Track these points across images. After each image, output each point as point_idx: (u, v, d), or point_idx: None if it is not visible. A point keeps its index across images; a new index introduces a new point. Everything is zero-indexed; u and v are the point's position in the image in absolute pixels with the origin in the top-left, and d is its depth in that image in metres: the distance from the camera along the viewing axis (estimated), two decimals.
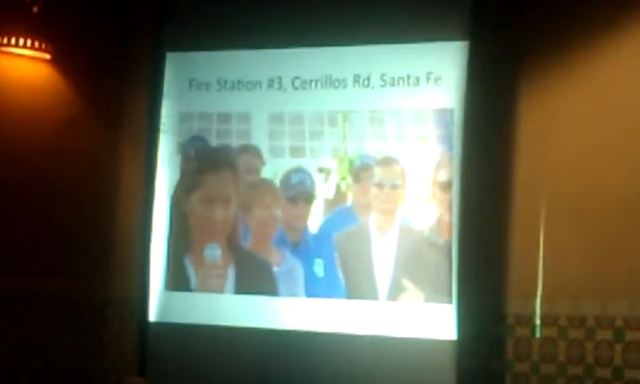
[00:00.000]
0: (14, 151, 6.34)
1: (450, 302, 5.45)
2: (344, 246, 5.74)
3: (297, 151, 5.90)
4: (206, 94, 6.16)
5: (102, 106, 6.77)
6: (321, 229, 5.81)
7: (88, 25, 6.64)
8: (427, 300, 5.53)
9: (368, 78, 5.79)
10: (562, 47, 5.63)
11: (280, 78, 5.98)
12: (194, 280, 6.07)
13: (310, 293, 5.78)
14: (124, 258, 6.68)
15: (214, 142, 6.12)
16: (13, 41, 6.22)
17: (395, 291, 5.59)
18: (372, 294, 5.64)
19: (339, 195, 5.80)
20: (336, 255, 5.75)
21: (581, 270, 5.45)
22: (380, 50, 5.77)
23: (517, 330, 5.62)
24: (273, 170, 5.94)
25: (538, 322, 5.57)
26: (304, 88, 5.93)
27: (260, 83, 6.03)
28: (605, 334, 5.38)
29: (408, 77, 5.71)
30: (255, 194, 5.96)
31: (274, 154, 5.94)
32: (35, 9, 6.23)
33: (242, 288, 5.96)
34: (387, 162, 5.68)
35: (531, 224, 5.61)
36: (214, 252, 6.01)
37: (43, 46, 6.31)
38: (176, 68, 6.25)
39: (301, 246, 5.83)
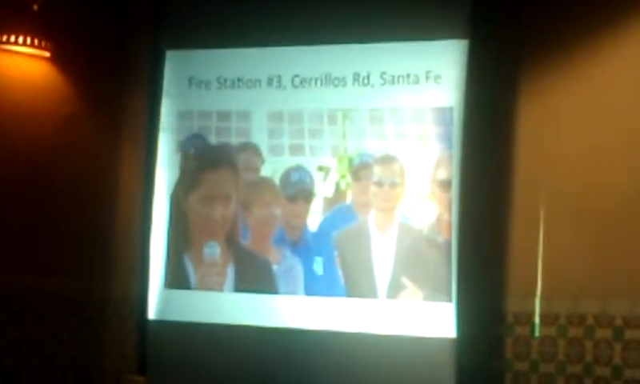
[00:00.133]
0: (12, 149, 6.34)
1: (450, 301, 5.45)
2: (343, 244, 5.74)
3: (296, 149, 5.89)
4: (206, 92, 6.15)
5: (102, 104, 6.77)
6: (320, 227, 5.80)
7: (87, 23, 6.64)
8: (426, 298, 5.53)
9: (368, 77, 5.79)
10: (561, 46, 5.63)
11: (280, 76, 5.98)
12: (193, 278, 6.07)
13: (310, 291, 5.78)
14: (123, 255, 6.69)
15: (213, 140, 6.11)
16: (12, 39, 6.22)
17: (395, 289, 5.59)
18: (371, 293, 5.64)
19: (339, 193, 5.80)
20: (335, 253, 5.74)
21: (580, 269, 5.45)
22: (380, 49, 5.77)
23: (516, 329, 5.62)
24: (272, 168, 5.94)
25: (537, 320, 5.57)
26: (304, 86, 5.93)
27: (259, 81, 6.03)
28: (604, 333, 5.38)
29: (408, 75, 5.71)
30: (255, 193, 5.96)
31: (273, 153, 5.94)
32: (35, 7, 6.24)
33: (242, 286, 5.95)
34: (387, 160, 5.68)
35: (531, 223, 5.61)
36: (214, 250, 6.00)
37: (43, 43, 6.31)
38: (175, 66, 6.24)
39: (300, 244, 5.83)
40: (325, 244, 5.77)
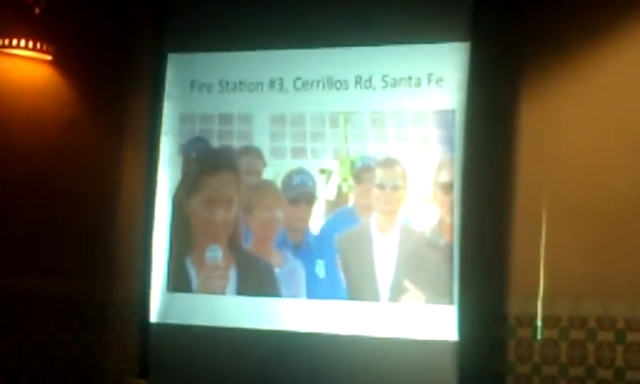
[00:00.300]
0: (15, 152, 6.35)
1: (452, 303, 5.45)
2: (345, 247, 5.74)
3: (298, 152, 5.90)
4: (208, 95, 6.15)
5: (104, 107, 6.77)
6: (322, 230, 5.81)
7: (89, 26, 6.64)
8: (428, 301, 5.53)
9: (369, 79, 5.79)
10: (562, 48, 5.63)
11: (281, 79, 5.98)
12: (195, 281, 6.07)
13: (312, 294, 5.79)
14: (125, 258, 6.68)
15: (215, 143, 6.12)
16: (14, 42, 6.23)
17: (396, 292, 5.60)
18: (373, 296, 5.64)
19: (340, 196, 5.80)
20: (337, 256, 5.75)
21: (582, 271, 5.45)
22: (381, 51, 5.77)
23: (518, 331, 5.62)
24: (274, 171, 5.94)
25: (539, 323, 5.57)
26: (305, 89, 5.93)
27: (261, 84, 6.03)
28: (606, 336, 5.38)
29: (409, 78, 5.71)
30: (256, 196, 5.96)
31: (275, 155, 5.94)
32: (37, 10, 6.24)
33: (244, 289, 5.96)
34: (388, 163, 5.68)
35: (532, 225, 5.62)
36: (216, 253, 6.01)
37: (44, 47, 6.32)
38: (177, 69, 6.24)
39: (302, 247, 5.83)
40: (327, 247, 5.77)
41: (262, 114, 6.00)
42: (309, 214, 5.83)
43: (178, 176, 6.17)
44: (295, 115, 5.93)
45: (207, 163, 6.12)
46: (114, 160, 6.82)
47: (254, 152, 5.98)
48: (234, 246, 5.99)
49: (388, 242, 5.65)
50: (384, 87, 5.76)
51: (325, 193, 5.82)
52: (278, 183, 5.92)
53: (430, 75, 5.66)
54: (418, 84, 5.69)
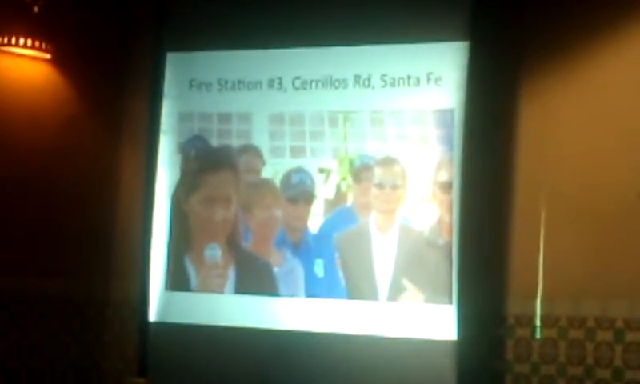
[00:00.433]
0: (13, 151, 6.34)
1: (450, 303, 5.45)
2: (344, 246, 5.74)
3: (297, 151, 5.89)
4: (207, 94, 6.15)
5: (103, 106, 6.76)
6: (321, 229, 5.80)
7: (88, 24, 6.64)
8: (427, 300, 5.53)
9: (368, 79, 5.79)
10: (562, 47, 5.63)
11: (280, 78, 5.98)
12: (194, 280, 6.07)
13: (311, 293, 5.78)
14: (124, 257, 6.68)
15: (214, 142, 6.12)
16: (13, 40, 6.22)
17: (395, 292, 5.59)
18: (372, 295, 5.64)
19: (339, 195, 5.80)
20: (336, 255, 5.75)
21: (581, 271, 5.45)
22: (380, 51, 5.77)
23: (517, 331, 5.62)
24: (273, 170, 5.94)
25: (538, 322, 5.57)
26: (304, 88, 5.93)
27: (260, 83, 6.03)
28: (605, 335, 5.38)
29: (408, 77, 5.71)
30: (255, 195, 5.96)
31: (274, 154, 5.94)
32: (36, 9, 6.24)
33: (243, 288, 5.95)
34: (387, 162, 5.68)
35: (531, 224, 5.61)
36: (215, 252, 6.01)
37: (43, 45, 6.31)
38: (176, 68, 6.24)
39: (301, 246, 5.83)
40: (325, 246, 5.77)
41: (261, 113, 6.00)
42: (308, 213, 5.83)
43: (176, 175, 6.17)
44: (294, 114, 5.92)
45: (206, 162, 6.12)
46: (112, 159, 6.82)
47: (253, 151, 5.98)
48: (232, 244, 5.99)
49: (387, 241, 5.65)
50: (383, 86, 5.76)
51: (324, 192, 5.82)
52: (277, 182, 5.92)
53: (429, 74, 5.66)
54: (417, 83, 5.68)
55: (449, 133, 5.56)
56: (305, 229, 5.83)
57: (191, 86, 6.19)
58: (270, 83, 6.00)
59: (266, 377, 5.79)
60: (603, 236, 5.42)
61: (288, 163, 5.90)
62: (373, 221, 5.70)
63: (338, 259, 5.74)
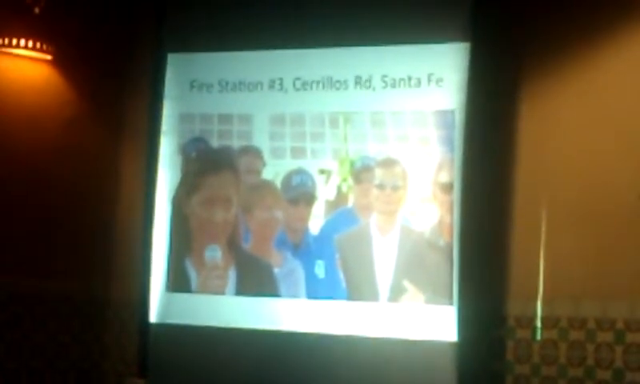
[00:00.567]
0: (14, 152, 6.34)
1: (451, 304, 5.45)
2: (345, 247, 5.74)
3: (298, 152, 5.89)
4: (207, 95, 6.15)
5: (103, 107, 6.77)
6: (322, 230, 5.80)
7: (89, 26, 6.65)
8: (428, 301, 5.53)
9: (369, 80, 5.79)
10: (563, 49, 5.63)
11: (281, 79, 5.98)
12: (194, 281, 6.07)
13: (311, 294, 5.78)
14: (125, 258, 6.68)
15: (215, 143, 6.11)
16: (14, 42, 6.23)
17: (396, 293, 5.59)
18: (373, 296, 5.64)
19: (340, 196, 5.80)
20: (337, 256, 5.74)
21: (581, 272, 5.44)
22: (381, 52, 5.77)
23: (517, 332, 5.62)
24: (274, 171, 5.94)
25: (538, 323, 5.56)
26: (305, 89, 5.93)
27: (261, 84, 6.03)
28: (605, 336, 5.37)
29: (409, 78, 5.71)
30: (256, 196, 5.96)
31: (275, 156, 5.94)
32: (36, 10, 6.24)
33: (243, 289, 5.95)
34: (388, 163, 5.68)
35: (532, 225, 5.61)
36: (215, 253, 6.00)
37: (44, 47, 6.32)
38: (177, 69, 6.24)
39: (302, 247, 5.83)
40: (326, 247, 5.76)
41: (262, 114, 6.00)
42: (308, 214, 5.83)
43: (177, 176, 6.16)
44: (295, 115, 5.93)
45: (207, 163, 6.12)
46: (113, 160, 6.82)
47: (253, 152, 5.98)
48: (233, 246, 5.98)
49: (387, 242, 5.65)
50: (384, 87, 5.76)
51: (324, 193, 5.82)
52: (278, 183, 5.91)
53: (429, 75, 5.66)
54: (418, 84, 5.69)
55: (449, 134, 5.57)
56: (305, 230, 5.83)
57: (192, 86, 6.19)
58: (271, 84, 6.01)
59: (267, 378, 5.79)
60: (603, 237, 5.42)
61: (289, 164, 5.90)
62: (373, 222, 5.70)
63: (339, 260, 5.74)
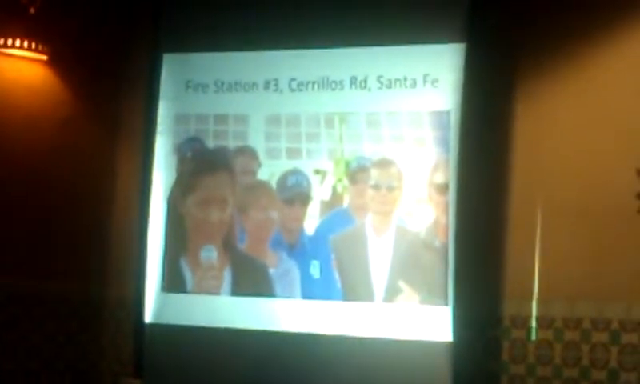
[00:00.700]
0: (10, 152, 6.33)
1: (446, 304, 5.45)
2: (340, 247, 5.74)
3: (293, 153, 5.89)
4: (203, 95, 6.15)
5: (99, 107, 6.76)
6: (317, 230, 5.80)
7: (85, 26, 6.64)
8: (423, 302, 5.53)
9: (365, 80, 5.79)
10: (558, 49, 5.64)
11: (277, 80, 5.98)
12: (190, 281, 6.06)
13: (306, 294, 5.78)
14: (120, 259, 6.68)
15: (210, 143, 6.11)
16: (10, 42, 6.22)
17: (391, 293, 5.59)
18: (368, 296, 5.64)
19: (335, 197, 5.80)
20: (332, 257, 5.74)
21: (577, 272, 5.45)
22: (377, 52, 5.78)
23: (513, 332, 5.62)
24: (269, 171, 5.94)
25: (533, 324, 5.57)
26: (301, 90, 5.93)
27: (257, 85, 6.03)
28: (601, 337, 5.38)
29: (405, 79, 5.71)
30: (251, 196, 5.96)
31: (270, 156, 5.94)
32: (32, 10, 6.23)
33: (238, 290, 5.95)
34: (384, 163, 5.68)
35: (527, 226, 5.62)
36: (210, 254, 6.00)
37: (40, 47, 6.30)
38: (173, 69, 6.24)
39: (297, 247, 5.83)
40: (322, 247, 5.76)
41: (258, 115, 6.00)
42: (304, 214, 5.83)
43: (172, 176, 6.16)
44: (290, 116, 5.93)
45: (202, 163, 6.12)
46: (109, 160, 6.81)
47: (249, 152, 5.98)
48: (228, 246, 5.98)
49: (383, 243, 5.65)
50: (379, 88, 5.76)
51: (320, 193, 5.82)
52: (273, 184, 5.91)
53: (425, 76, 5.67)
54: (414, 85, 5.69)
55: (445, 134, 5.57)
56: (301, 230, 5.82)
57: (187, 87, 6.19)
58: (267, 85, 6.01)
59: (262, 378, 5.78)
60: (599, 237, 5.43)
61: (284, 165, 5.90)
62: (369, 222, 5.70)
63: (334, 261, 5.74)
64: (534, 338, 5.56)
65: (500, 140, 5.74)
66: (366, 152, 5.73)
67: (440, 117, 5.60)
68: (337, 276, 5.73)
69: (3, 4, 6.21)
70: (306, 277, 5.78)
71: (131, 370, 6.28)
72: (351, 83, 5.82)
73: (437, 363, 5.43)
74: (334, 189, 5.80)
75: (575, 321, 5.45)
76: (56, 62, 6.47)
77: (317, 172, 5.83)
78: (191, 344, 5.97)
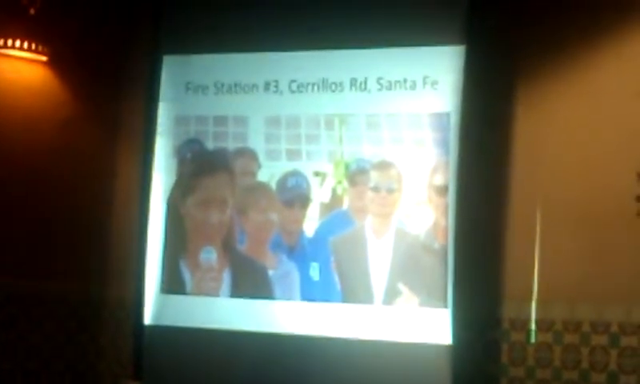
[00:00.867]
0: (9, 153, 6.33)
1: (446, 307, 5.44)
2: (340, 249, 5.74)
3: (293, 154, 5.89)
4: (203, 96, 6.15)
5: (99, 109, 6.76)
6: (317, 232, 5.80)
7: (85, 27, 6.64)
8: (422, 304, 5.53)
9: (365, 82, 5.79)
10: (558, 51, 5.64)
11: (277, 81, 5.98)
12: (189, 283, 6.06)
13: (306, 296, 5.78)
14: (120, 260, 6.68)
15: (210, 144, 6.11)
16: (10, 43, 6.22)
17: (391, 295, 5.59)
18: (367, 298, 5.63)
19: (335, 199, 5.80)
20: (332, 259, 5.74)
21: (576, 275, 5.45)
22: (377, 54, 5.77)
23: (512, 335, 5.62)
24: (269, 173, 5.93)
25: (533, 326, 5.57)
26: (301, 91, 5.93)
27: (257, 86, 6.03)
28: (600, 340, 5.38)
29: (405, 80, 5.71)
30: (251, 198, 5.96)
31: (270, 157, 5.94)
32: (32, 11, 6.23)
33: (238, 291, 5.95)
34: (383, 165, 5.68)
35: (527, 228, 5.62)
36: (210, 255, 6.00)
37: (40, 48, 6.31)
38: (173, 71, 6.24)
39: (297, 249, 5.83)
40: (321, 249, 5.76)
41: (257, 116, 5.99)
42: (303, 216, 5.83)
43: (172, 177, 6.16)
44: (290, 117, 5.92)
45: (202, 165, 6.11)
46: (108, 161, 6.81)
47: (248, 154, 5.97)
48: (228, 247, 5.98)
49: (382, 245, 5.65)
50: (379, 90, 5.76)
51: (319, 195, 5.81)
52: (273, 185, 5.91)
53: (425, 78, 5.66)
54: (414, 87, 5.69)
55: (445, 136, 5.57)
56: (300, 232, 5.82)
57: (187, 88, 6.19)
58: (267, 86, 6.00)
59: (261, 380, 5.78)
60: (598, 240, 5.43)
61: (284, 166, 5.90)
62: (368, 224, 5.70)
63: (334, 263, 5.73)
64: (533, 340, 5.56)
65: (500, 142, 5.74)
66: (365, 154, 5.73)
67: (440, 118, 5.60)
68: (336, 278, 5.72)
69: (3, 4, 6.21)
70: (305, 279, 5.78)
71: (131, 372, 6.28)
72: (351, 85, 5.82)
73: (436, 365, 5.43)
74: (334, 191, 5.79)
75: (575, 323, 5.45)
76: (56, 62, 6.47)
77: (316, 174, 5.82)
78: (190, 345, 5.97)
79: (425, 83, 5.66)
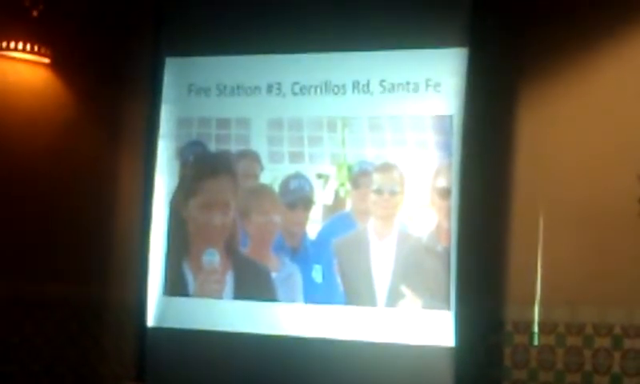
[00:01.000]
0: (12, 155, 6.34)
1: (448, 309, 5.44)
2: (343, 252, 5.74)
3: (296, 157, 5.89)
4: (205, 99, 6.15)
5: (101, 111, 6.76)
6: (319, 235, 5.80)
7: (87, 29, 6.64)
8: (425, 306, 5.53)
9: (367, 84, 5.79)
10: (561, 54, 5.64)
11: (279, 84, 5.98)
12: (192, 285, 6.06)
13: (309, 299, 5.78)
14: (122, 262, 6.67)
15: (212, 147, 6.11)
16: (12, 45, 6.23)
17: (393, 298, 5.59)
18: (370, 301, 5.63)
19: (338, 201, 5.80)
20: (335, 261, 5.74)
21: (579, 277, 5.45)
22: (379, 56, 5.77)
23: (515, 337, 5.62)
24: (272, 175, 5.93)
25: (536, 329, 5.57)
26: (303, 94, 5.93)
27: (259, 89, 6.03)
28: (603, 342, 5.38)
29: (407, 83, 5.71)
30: (254, 200, 5.96)
31: (272, 160, 5.94)
32: (34, 13, 6.24)
33: (241, 294, 5.95)
34: (386, 168, 5.68)
35: (530, 231, 5.61)
36: (213, 257, 6.00)
37: (42, 50, 6.32)
38: (175, 73, 6.24)
39: (299, 251, 5.83)
40: (324, 252, 5.76)
41: (260, 119, 5.99)
42: (306, 218, 5.83)
43: (175, 180, 6.16)
44: (293, 120, 5.92)
45: (204, 167, 6.11)
46: (111, 163, 6.81)
47: (251, 156, 5.97)
48: (231, 250, 5.98)
49: (385, 247, 5.64)
50: (382, 92, 5.76)
51: (322, 197, 5.81)
52: (276, 187, 5.91)
53: (427, 80, 5.66)
54: (416, 89, 5.68)
55: (447, 139, 5.57)
56: (303, 234, 5.82)
57: (190, 91, 6.19)
58: (269, 88, 6.00)
59: (264, 382, 5.78)
60: (601, 242, 5.43)
61: (286, 169, 5.90)
62: (371, 227, 5.70)
63: (337, 265, 5.73)
64: (536, 343, 5.55)
65: (502, 144, 5.74)
66: (368, 156, 5.73)
67: (442, 121, 5.60)
68: (339, 280, 5.72)
69: (5, 6, 6.22)
70: (308, 281, 5.78)
71: (133, 374, 6.28)
72: (354, 87, 5.82)
73: (439, 368, 5.43)
74: (337, 193, 5.79)
75: (577, 326, 5.45)
76: (58, 65, 6.48)
77: (319, 176, 5.82)
78: (193, 348, 5.97)
79: (427, 86, 5.66)
